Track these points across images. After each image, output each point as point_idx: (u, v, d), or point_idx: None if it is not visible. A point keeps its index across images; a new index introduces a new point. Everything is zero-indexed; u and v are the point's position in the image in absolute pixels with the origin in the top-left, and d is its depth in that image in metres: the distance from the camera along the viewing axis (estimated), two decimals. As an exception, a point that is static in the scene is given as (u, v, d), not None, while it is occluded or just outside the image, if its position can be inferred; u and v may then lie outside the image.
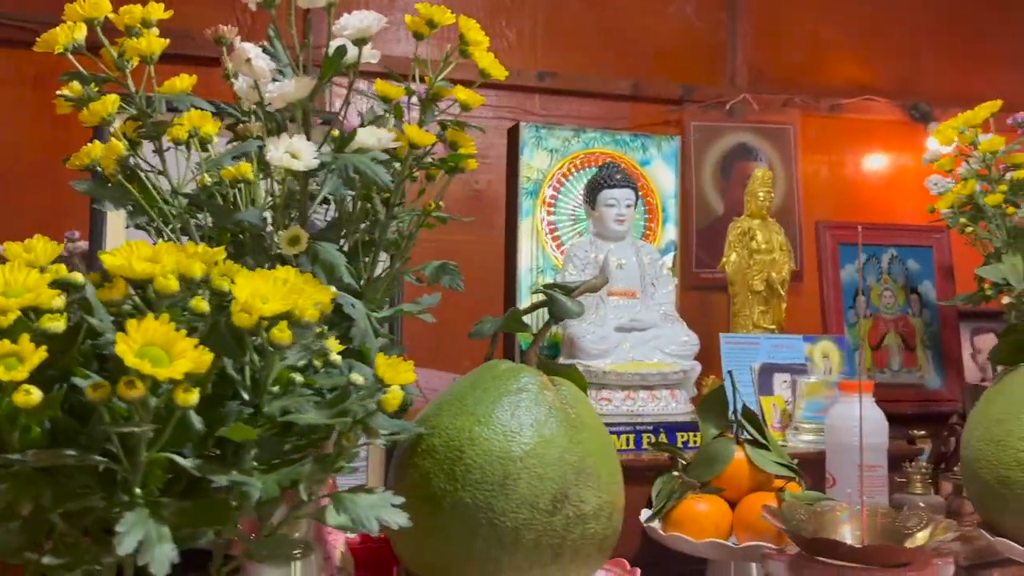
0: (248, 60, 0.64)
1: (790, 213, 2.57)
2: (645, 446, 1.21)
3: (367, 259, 0.82)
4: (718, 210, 2.50)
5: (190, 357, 0.51)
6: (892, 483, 1.23)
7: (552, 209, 1.43)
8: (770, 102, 2.58)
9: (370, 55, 0.75)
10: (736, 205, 2.53)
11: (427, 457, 0.77)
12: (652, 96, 2.47)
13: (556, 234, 1.43)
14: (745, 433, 1.04)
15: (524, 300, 1.40)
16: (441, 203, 0.91)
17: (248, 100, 0.70)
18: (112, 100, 0.74)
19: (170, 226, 0.78)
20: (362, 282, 0.85)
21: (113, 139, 0.75)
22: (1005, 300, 1.04)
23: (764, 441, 1.03)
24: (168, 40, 0.77)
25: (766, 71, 2.60)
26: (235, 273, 0.62)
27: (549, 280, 1.41)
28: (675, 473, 1.02)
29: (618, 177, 1.37)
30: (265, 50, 0.71)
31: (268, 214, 0.82)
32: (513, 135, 1.44)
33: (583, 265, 1.36)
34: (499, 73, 0.85)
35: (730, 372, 1.07)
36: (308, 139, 0.73)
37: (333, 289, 0.71)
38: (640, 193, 1.44)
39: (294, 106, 0.67)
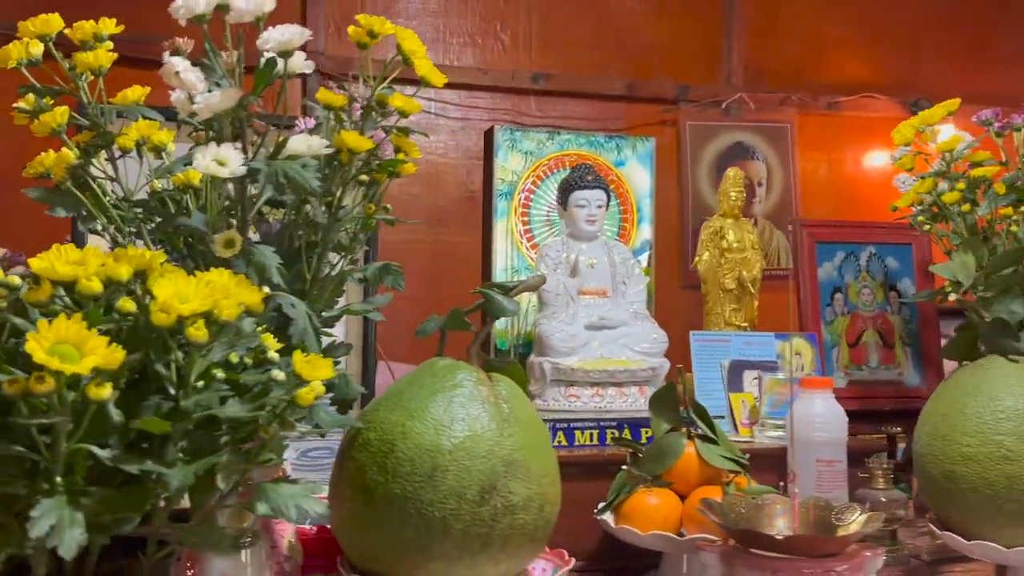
0: (177, 73, 0.68)
1: (787, 211, 2.58)
2: (609, 442, 1.23)
3: (311, 260, 0.85)
4: (715, 208, 2.51)
5: (100, 354, 0.55)
6: (856, 479, 1.24)
7: (527, 210, 1.46)
8: (767, 100, 2.59)
9: (304, 66, 0.79)
10: (733, 204, 2.54)
11: (363, 450, 0.80)
12: (647, 96, 2.49)
13: (531, 234, 1.46)
14: (696, 428, 1.06)
15: (499, 299, 1.43)
16: (389, 206, 0.94)
17: (183, 111, 0.74)
18: (62, 112, 0.79)
19: (125, 231, 0.82)
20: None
21: (64, 148, 0.80)
22: (953, 298, 1.05)
23: (713, 436, 1.05)
24: (117, 54, 0.82)
25: (764, 70, 2.61)
26: (169, 275, 0.66)
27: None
28: (624, 467, 1.05)
29: (589, 178, 1.39)
30: (197, 63, 0.75)
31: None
32: (488, 138, 1.47)
33: (554, 264, 1.38)
34: (438, 81, 0.88)
35: (680, 368, 1.09)
36: (243, 147, 0.77)
37: (266, 289, 0.75)
38: (613, 194, 1.46)
39: (223, 116, 0.71)
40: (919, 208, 1.25)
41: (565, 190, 1.41)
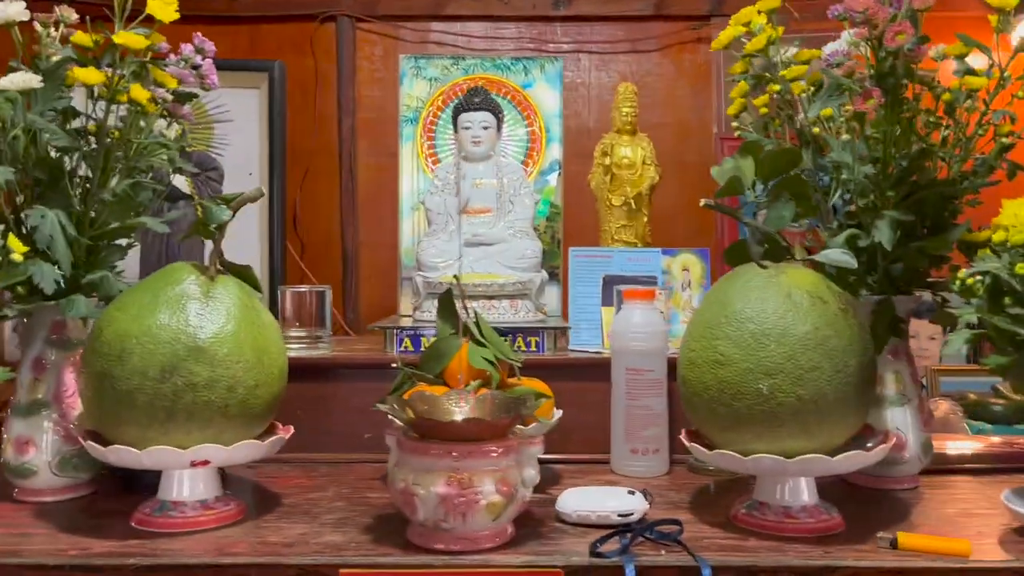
0: None
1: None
2: (453, 348, 1.31)
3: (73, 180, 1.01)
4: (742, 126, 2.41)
5: None
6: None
7: (432, 134, 1.54)
8: (817, 7, 2.41)
9: (20, 14, 0.94)
10: (771, 122, 2.43)
11: (89, 337, 0.96)
12: (676, 14, 2.42)
13: (436, 158, 1.54)
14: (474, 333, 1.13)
15: (404, 217, 1.54)
16: (166, 136, 1.08)
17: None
18: None
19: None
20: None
21: None
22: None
23: (483, 340, 1.11)
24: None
25: (814, -26, 2.44)
26: None
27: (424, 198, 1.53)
28: (394, 365, 1.14)
29: (476, 100, 1.45)
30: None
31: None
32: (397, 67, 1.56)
33: (443, 185, 1.46)
34: (166, 16, 1.00)
35: (456, 276, 1.15)
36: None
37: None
38: (521, 115, 1.51)
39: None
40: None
41: (454, 113, 1.47)
